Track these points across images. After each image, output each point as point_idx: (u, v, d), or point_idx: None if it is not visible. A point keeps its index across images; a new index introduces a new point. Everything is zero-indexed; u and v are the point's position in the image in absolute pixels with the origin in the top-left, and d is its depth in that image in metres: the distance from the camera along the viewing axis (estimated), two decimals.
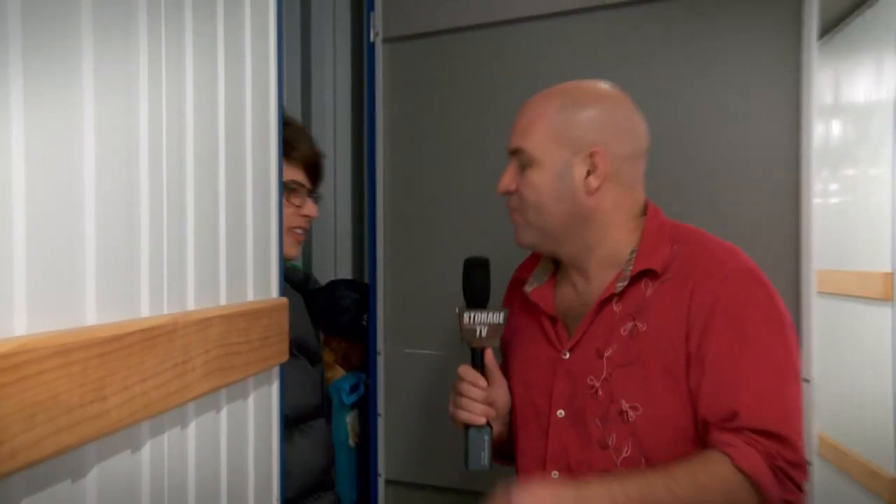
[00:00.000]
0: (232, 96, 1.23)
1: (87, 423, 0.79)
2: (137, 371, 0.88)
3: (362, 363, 2.40)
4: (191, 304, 1.09)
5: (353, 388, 2.33)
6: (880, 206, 3.38)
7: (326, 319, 2.38)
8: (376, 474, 2.32)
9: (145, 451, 0.97)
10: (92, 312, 0.85)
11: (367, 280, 2.44)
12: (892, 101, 3.31)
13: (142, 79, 0.96)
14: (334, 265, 2.64)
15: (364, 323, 2.37)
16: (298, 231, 1.87)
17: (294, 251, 1.89)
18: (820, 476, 3.92)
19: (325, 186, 2.68)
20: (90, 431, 0.80)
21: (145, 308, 0.96)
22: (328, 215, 2.65)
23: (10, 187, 0.74)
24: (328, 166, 2.67)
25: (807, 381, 1.83)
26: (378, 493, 2.32)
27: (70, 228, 0.82)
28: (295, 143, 1.84)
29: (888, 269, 3.29)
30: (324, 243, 2.65)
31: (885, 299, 3.32)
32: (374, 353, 2.34)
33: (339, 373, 2.32)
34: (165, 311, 1.01)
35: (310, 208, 1.88)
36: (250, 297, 1.29)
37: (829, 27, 3.97)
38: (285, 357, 1.40)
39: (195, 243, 1.10)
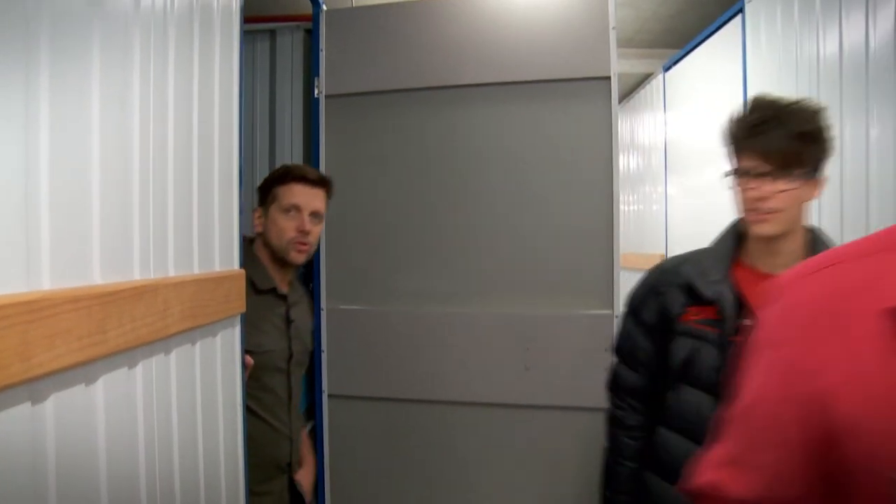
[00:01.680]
0: (204, 104, 1.26)
1: (93, 347, 0.84)
2: (129, 315, 0.93)
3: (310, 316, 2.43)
4: (171, 272, 1.12)
5: None
6: (659, 211, 3.58)
7: None
8: (321, 391, 2.36)
9: (139, 370, 1.01)
10: (98, 275, 0.89)
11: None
12: (663, 144, 3.51)
13: (135, 106, 1.00)
14: None
15: (310, 287, 2.41)
16: (760, 209, 1.27)
17: (764, 229, 1.28)
18: None
19: None
20: (95, 352, 0.85)
21: (137, 273, 1.00)
22: None
23: (39, 191, 0.78)
24: None
25: (617, 316, 2.12)
26: (323, 404, 2.36)
27: (81, 217, 0.86)
28: (762, 130, 1.26)
29: (662, 252, 3.46)
30: None
31: None
32: (320, 308, 2.37)
33: None
34: (152, 276, 1.05)
35: (763, 190, 1.25)
36: (217, 267, 1.31)
37: (627, 93, 4.18)
38: (243, 309, 1.42)
39: (174, 230, 1.13)
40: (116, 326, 0.89)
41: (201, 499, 1.26)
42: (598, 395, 1.99)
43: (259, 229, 1.86)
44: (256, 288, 1.77)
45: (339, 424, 2.39)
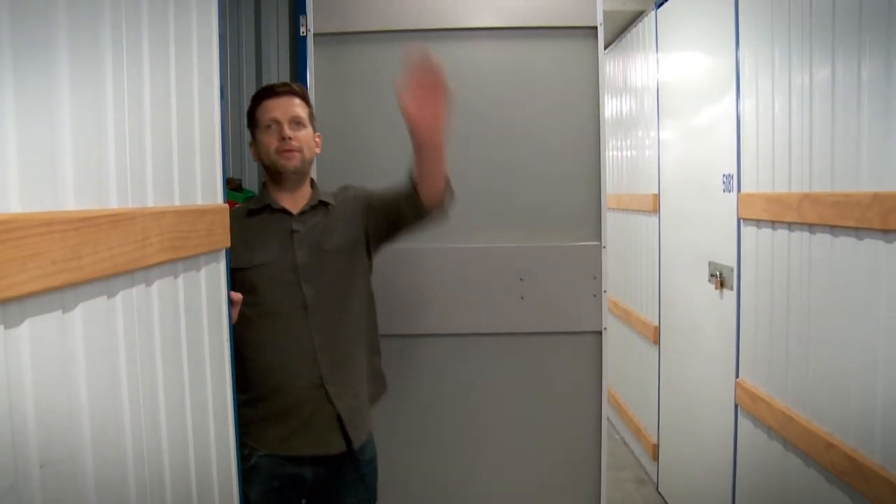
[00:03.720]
0: (181, 38, 1.23)
1: (68, 273, 0.83)
2: (105, 242, 0.91)
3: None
4: (151, 203, 1.10)
5: None
6: (652, 155, 3.56)
7: None
8: None
9: (118, 298, 0.99)
10: (71, 202, 0.87)
11: None
12: (655, 86, 3.45)
13: (106, 35, 0.96)
14: None
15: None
16: None
17: None
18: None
19: None
20: (70, 278, 0.84)
21: (114, 202, 0.98)
22: None
23: (5, 112, 0.76)
24: None
25: (604, 247, 2.35)
26: None
27: (51, 142, 0.84)
28: None
29: (655, 192, 3.45)
30: None
31: (653, 211, 3.48)
32: None
33: None
34: (130, 206, 1.03)
35: None
36: (199, 201, 1.29)
37: (619, 32, 4.06)
38: (228, 244, 1.41)
39: (153, 161, 1.10)
40: (92, 253, 0.88)
41: (188, 433, 1.26)
42: (589, 320, 2.33)
43: (256, 160, 1.89)
44: (250, 211, 1.83)
45: None
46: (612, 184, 4.40)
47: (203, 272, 1.33)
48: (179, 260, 1.20)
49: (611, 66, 4.38)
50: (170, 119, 1.18)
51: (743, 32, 2.41)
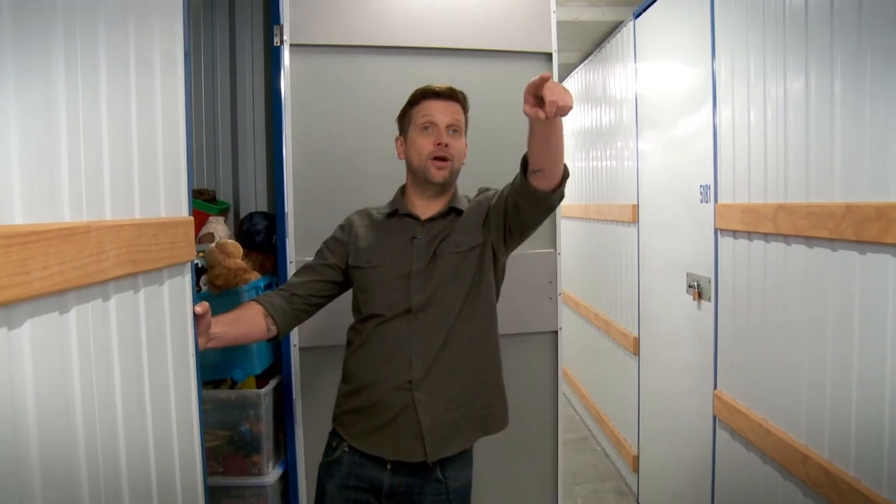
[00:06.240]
0: (141, 42, 1.20)
1: (14, 288, 0.80)
2: (56, 257, 0.88)
3: (273, 269, 2.40)
4: (108, 216, 1.06)
5: (267, 286, 2.33)
6: (631, 166, 3.57)
7: (246, 239, 2.38)
8: (290, 345, 2.35)
9: (72, 314, 0.96)
10: (19, 217, 0.84)
11: (275, 212, 2.43)
12: (634, 97, 3.46)
13: (58, 42, 0.94)
14: (254, 201, 2.61)
15: (273, 241, 2.37)
16: None
17: None
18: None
19: (247, 149, 2.64)
20: (16, 294, 0.80)
21: (67, 216, 0.95)
22: (249, 169, 2.62)
23: None
24: (248, 138, 2.63)
25: (559, 254, 2.52)
26: (291, 357, 2.35)
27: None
28: None
29: (635, 202, 3.45)
30: (246, 186, 2.61)
31: (633, 222, 3.49)
32: (286, 261, 2.33)
33: (256, 276, 2.30)
34: (85, 219, 1.00)
35: None
36: (163, 214, 1.26)
37: (597, 44, 4.06)
38: (193, 257, 1.37)
39: (110, 174, 1.07)
40: (41, 268, 0.85)
41: (150, 455, 1.22)
42: (546, 321, 2.56)
43: (401, 157, 1.85)
44: (387, 214, 1.86)
45: (312, 377, 2.41)
46: (592, 194, 4.40)
47: (166, 286, 1.30)
48: (140, 274, 1.17)
49: (590, 77, 4.39)
50: (129, 131, 1.15)
51: (719, 43, 2.42)
